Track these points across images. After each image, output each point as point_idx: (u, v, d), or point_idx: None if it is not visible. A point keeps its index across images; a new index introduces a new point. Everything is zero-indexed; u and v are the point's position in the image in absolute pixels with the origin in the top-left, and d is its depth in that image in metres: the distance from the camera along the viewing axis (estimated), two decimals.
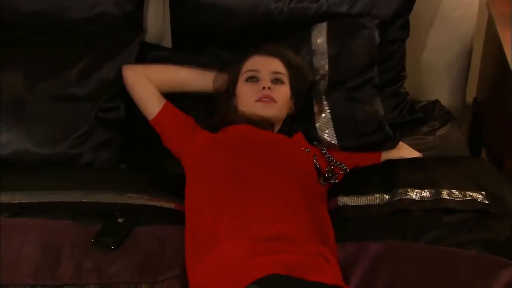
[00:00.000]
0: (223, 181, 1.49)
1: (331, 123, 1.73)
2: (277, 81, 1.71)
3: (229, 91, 1.76)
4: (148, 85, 1.75)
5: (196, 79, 1.80)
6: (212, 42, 1.91)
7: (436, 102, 2.05)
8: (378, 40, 1.83)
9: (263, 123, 1.67)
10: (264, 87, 1.67)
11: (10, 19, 1.81)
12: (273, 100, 1.67)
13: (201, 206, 1.47)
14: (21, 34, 1.80)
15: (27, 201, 1.53)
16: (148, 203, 1.55)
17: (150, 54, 1.90)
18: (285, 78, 1.73)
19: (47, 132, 1.70)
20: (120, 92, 1.78)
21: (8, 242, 1.40)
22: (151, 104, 1.73)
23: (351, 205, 1.57)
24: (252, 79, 1.71)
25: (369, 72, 1.80)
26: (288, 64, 1.75)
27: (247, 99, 1.70)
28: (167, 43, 1.95)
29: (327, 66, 1.79)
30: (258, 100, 1.67)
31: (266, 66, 1.72)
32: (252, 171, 1.50)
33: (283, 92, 1.71)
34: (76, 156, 1.71)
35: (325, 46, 1.80)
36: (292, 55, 1.78)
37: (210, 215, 1.42)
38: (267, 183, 1.47)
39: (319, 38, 1.82)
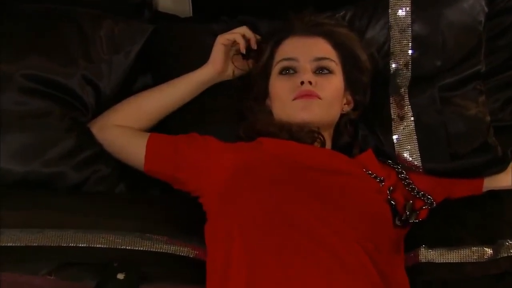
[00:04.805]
0: (259, 228, 1.42)
1: (414, 136, 1.68)
2: (322, 70, 1.66)
3: (259, 89, 1.71)
4: (119, 134, 1.70)
5: (180, 89, 1.74)
6: (245, 8, 1.85)
7: None
8: (485, 11, 1.76)
9: (308, 134, 1.60)
10: (302, 81, 1.61)
11: None
12: (316, 96, 1.60)
13: (230, 262, 1.40)
14: None
15: None
16: (159, 248, 1.51)
17: (163, 30, 1.84)
18: (334, 65, 1.67)
19: (20, 142, 1.66)
20: None
21: None
22: (132, 153, 1.68)
23: (438, 263, 1.51)
24: (288, 70, 1.66)
25: (472, 60, 1.74)
26: (337, 45, 1.68)
27: (282, 98, 1.65)
28: (185, 10, 1.92)
29: (410, 51, 1.73)
30: (296, 98, 1.61)
31: (305, 51, 1.66)
32: (299, 214, 1.43)
33: (331, 85, 1.65)
34: (59, 176, 1.67)
35: (409, 20, 1.73)
36: (343, 30, 1.72)
37: (243, 280, 1.36)
38: (319, 233, 1.40)
39: (401, 9, 1.74)
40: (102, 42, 1.75)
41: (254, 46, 1.71)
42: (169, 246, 1.51)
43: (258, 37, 1.75)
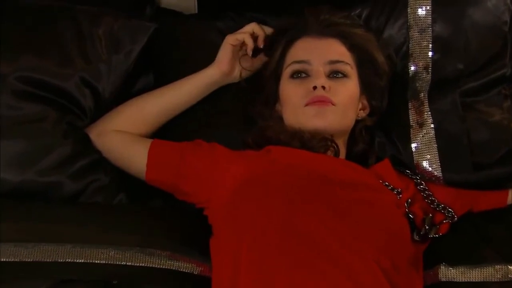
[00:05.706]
0: (269, 243, 1.40)
1: (434, 145, 1.66)
2: (336, 74, 1.64)
3: (269, 93, 1.69)
4: (119, 140, 1.68)
5: (184, 91, 1.72)
6: (253, 4, 1.84)
7: None
8: (511, 10, 1.75)
9: (321, 142, 1.57)
10: (315, 86, 1.58)
11: None
12: (330, 102, 1.59)
13: (237, 280, 1.39)
14: None
15: None
16: (161, 264, 1.48)
17: (166, 28, 1.81)
18: (349, 68, 1.65)
19: (13, 150, 1.63)
20: None
21: None
22: (133, 160, 1.65)
23: (459, 282, 1.48)
24: (300, 74, 1.64)
25: (496, 63, 1.73)
26: (353, 47, 1.67)
27: (293, 104, 1.63)
28: (190, 6, 1.91)
29: (431, 53, 1.71)
30: (309, 104, 1.59)
31: (319, 53, 1.64)
32: (311, 229, 1.40)
33: (346, 90, 1.63)
34: (55, 185, 1.65)
35: (429, 20, 1.72)
36: (360, 31, 1.70)
37: None
38: (333, 249, 1.38)
39: (420, 8, 1.73)
40: (101, 41, 1.72)
41: (260, 44, 1.68)
42: (172, 262, 1.49)
43: (269, 30, 1.70)
